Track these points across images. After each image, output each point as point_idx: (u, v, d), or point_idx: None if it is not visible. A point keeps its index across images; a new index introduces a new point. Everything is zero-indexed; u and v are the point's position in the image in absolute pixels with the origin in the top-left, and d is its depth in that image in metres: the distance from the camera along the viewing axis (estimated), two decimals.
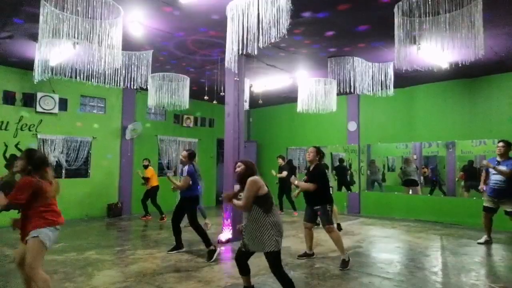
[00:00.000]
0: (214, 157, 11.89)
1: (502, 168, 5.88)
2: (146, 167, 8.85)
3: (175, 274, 4.55)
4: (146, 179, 8.77)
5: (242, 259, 3.55)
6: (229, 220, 6.48)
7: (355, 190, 10.11)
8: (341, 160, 10.23)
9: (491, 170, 6.09)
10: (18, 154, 7.94)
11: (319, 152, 5.11)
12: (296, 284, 3.39)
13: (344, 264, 4.77)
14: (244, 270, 3.58)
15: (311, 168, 5.12)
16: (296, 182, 5.14)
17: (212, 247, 5.25)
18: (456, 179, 9.10)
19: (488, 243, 6.24)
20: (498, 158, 6.08)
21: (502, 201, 5.99)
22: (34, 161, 3.20)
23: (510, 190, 5.88)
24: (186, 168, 5.64)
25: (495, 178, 6.03)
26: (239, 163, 3.52)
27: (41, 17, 4.05)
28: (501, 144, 6.06)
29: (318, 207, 4.94)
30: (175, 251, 5.60)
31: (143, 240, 6.65)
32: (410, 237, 6.94)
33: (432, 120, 8.91)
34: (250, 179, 3.34)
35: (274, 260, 3.31)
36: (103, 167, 9.29)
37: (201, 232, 5.39)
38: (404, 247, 6.17)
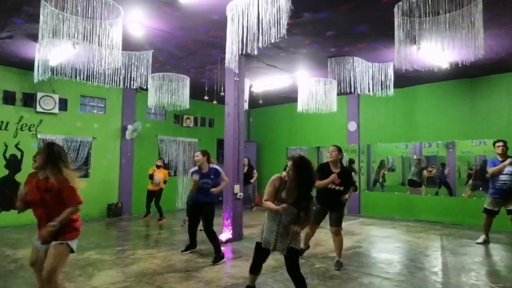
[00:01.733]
0: (214, 157, 11.88)
1: None
2: (159, 167, 8.74)
3: (175, 274, 4.56)
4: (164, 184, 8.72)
5: (262, 260, 3.54)
6: (229, 220, 6.49)
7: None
8: (351, 161, 10.14)
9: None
10: (18, 154, 7.97)
11: (340, 151, 4.95)
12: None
13: (339, 264, 4.82)
14: (258, 269, 3.59)
15: (334, 169, 4.83)
16: (347, 197, 4.81)
17: (221, 254, 5.16)
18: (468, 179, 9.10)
19: (486, 242, 6.26)
20: (499, 158, 6.08)
21: (509, 201, 5.98)
22: (54, 155, 2.97)
23: None
24: (215, 166, 5.44)
25: (503, 178, 5.98)
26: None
27: (41, 17, 4.05)
28: (501, 143, 6.08)
29: (338, 209, 4.88)
30: (189, 251, 5.61)
31: (143, 240, 6.66)
32: (410, 237, 6.95)
33: (432, 120, 8.90)
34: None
35: (297, 257, 3.37)
36: (103, 167, 9.28)
37: (215, 240, 5.25)
38: (404, 247, 6.18)
